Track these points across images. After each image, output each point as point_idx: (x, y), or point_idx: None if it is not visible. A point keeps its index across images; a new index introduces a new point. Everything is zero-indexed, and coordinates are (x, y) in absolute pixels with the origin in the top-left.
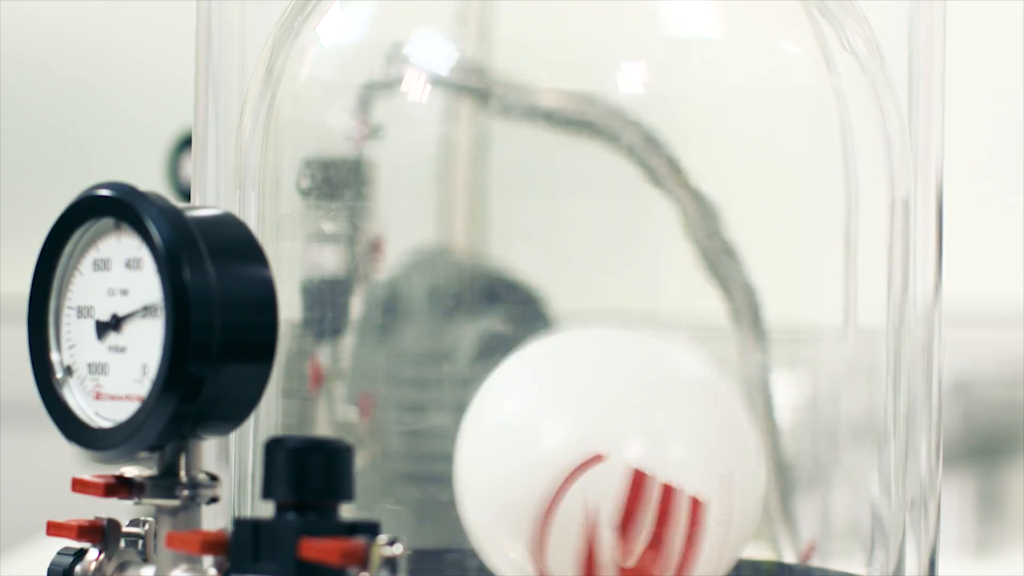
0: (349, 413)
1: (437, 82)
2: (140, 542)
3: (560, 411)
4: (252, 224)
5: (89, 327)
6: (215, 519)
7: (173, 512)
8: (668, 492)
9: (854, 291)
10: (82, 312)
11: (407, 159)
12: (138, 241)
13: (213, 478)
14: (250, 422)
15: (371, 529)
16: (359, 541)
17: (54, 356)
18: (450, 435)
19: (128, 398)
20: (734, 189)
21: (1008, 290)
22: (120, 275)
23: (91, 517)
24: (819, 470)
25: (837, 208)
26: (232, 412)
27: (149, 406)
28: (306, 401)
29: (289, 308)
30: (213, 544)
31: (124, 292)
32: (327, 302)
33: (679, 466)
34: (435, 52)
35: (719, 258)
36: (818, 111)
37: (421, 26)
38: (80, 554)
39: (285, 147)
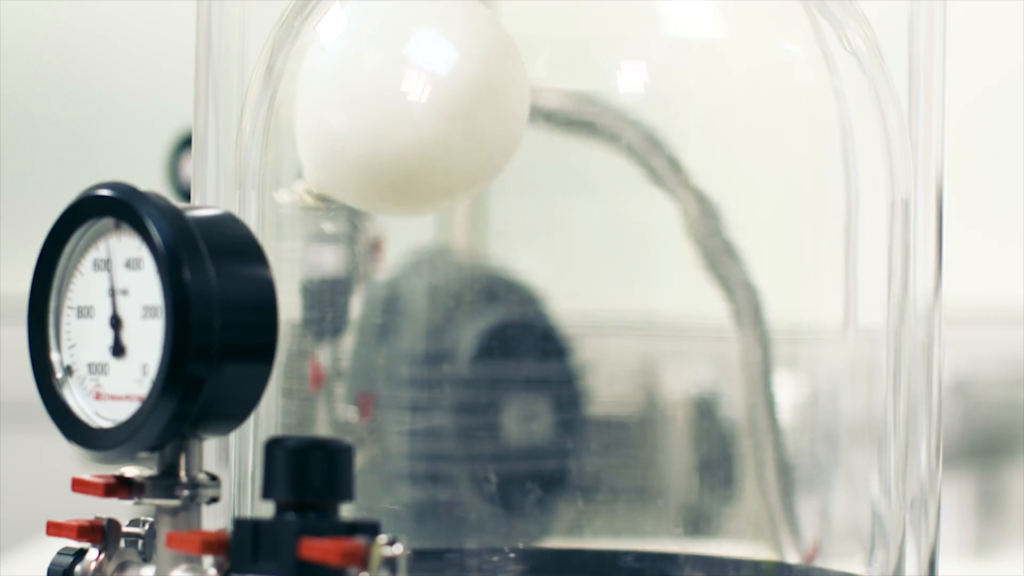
0: (349, 413)
1: None
2: (140, 542)
3: None
4: (252, 224)
5: (89, 327)
6: (215, 519)
7: (173, 512)
8: None
9: (854, 291)
10: (82, 312)
11: None
12: (138, 241)
13: (213, 478)
14: (250, 422)
15: (371, 529)
16: (359, 541)
17: (54, 356)
18: (450, 435)
19: (128, 398)
20: (735, 189)
21: (1008, 290)
22: (120, 275)
23: (91, 517)
24: (819, 470)
25: (837, 208)
26: (232, 412)
27: (149, 406)
28: (306, 401)
29: (289, 308)
30: (213, 544)
31: (124, 292)
32: (327, 302)
33: None
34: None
35: (720, 258)
36: (818, 111)
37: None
38: (80, 554)
39: (285, 147)
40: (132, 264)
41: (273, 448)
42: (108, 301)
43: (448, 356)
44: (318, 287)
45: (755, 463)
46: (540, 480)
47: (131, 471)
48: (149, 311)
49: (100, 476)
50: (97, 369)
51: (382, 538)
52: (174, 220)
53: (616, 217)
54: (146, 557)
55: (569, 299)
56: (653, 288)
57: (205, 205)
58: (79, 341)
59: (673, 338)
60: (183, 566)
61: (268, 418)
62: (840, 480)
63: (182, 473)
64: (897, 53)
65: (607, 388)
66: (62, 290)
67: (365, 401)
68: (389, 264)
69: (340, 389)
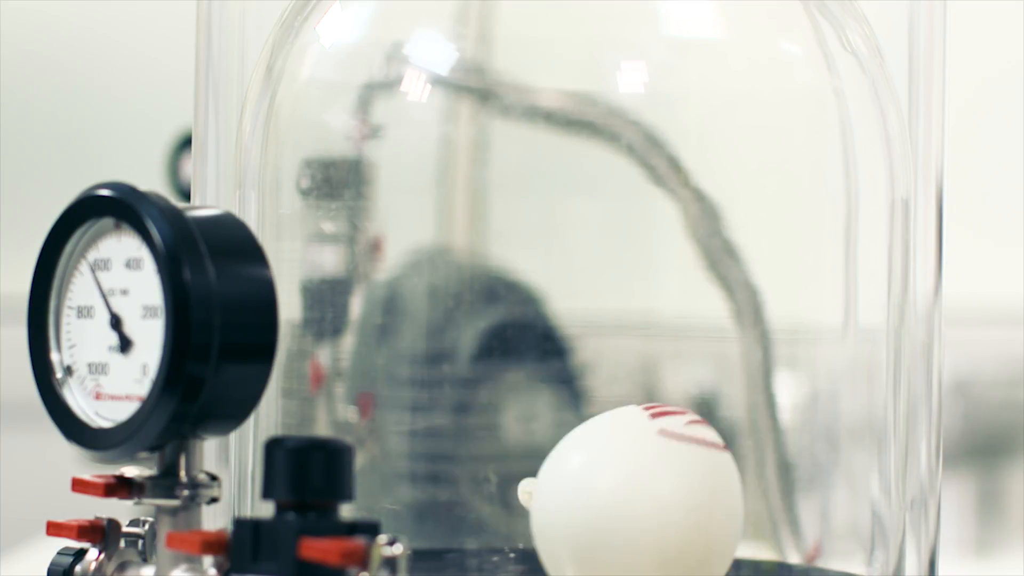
0: (349, 413)
1: (437, 82)
2: (140, 542)
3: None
4: (252, 224)
5: (89, 327)
6: (215, 519)
7: (173, 512)
8: None
9: (854, 291)
10: (82, 312)
11: (407, 159)
12: (138, 241)
13: (213, 478)
14: (250, 422)
15: (371, 529)
16: (359, 541)
17: (54, 356)
18: (450, 435)
19: (128, 398)
20: (735, 189)
21: (1008, 290)
22: (120, 275)
23: (91, 517)
24: (819, 470)
25: (837, 208)
26: (232, 412)
27: (149, 406)
28: (306, 401)
29: (289, 308)
30: (213, 544)
31: (124, 292)
32: (327, 302)
33: None
34: (435, 52)
35: (720, 258)
36: (818, 111)
37: (421, 26)
38: (80, 554)
39: (285, 147)
40: (132, 264)
41: (273, 448)
42: (109, 301)
43: (448, 356)
44: (318, 287)
45: (755, 463)
46: None
47: (131, 471)
48: (149, 311)
49: (100, 476)
50: (97, 369)
51: (382, 538)
52: (174, 220)
53: (616, 217)
54: (146, 557)
55: (569, 299)
56: (653, 288)
57: (205, 205)
58: (79, 341)
59: (673, 338)
60: (183, 566)
61: (268, 418)
62: (840, 480)
63: (182, 473)
64: (897, 53)
65: (607, 388)
66: (62, 290)
67: (365, 401)
68: (389, 264)
69: (340, 389)
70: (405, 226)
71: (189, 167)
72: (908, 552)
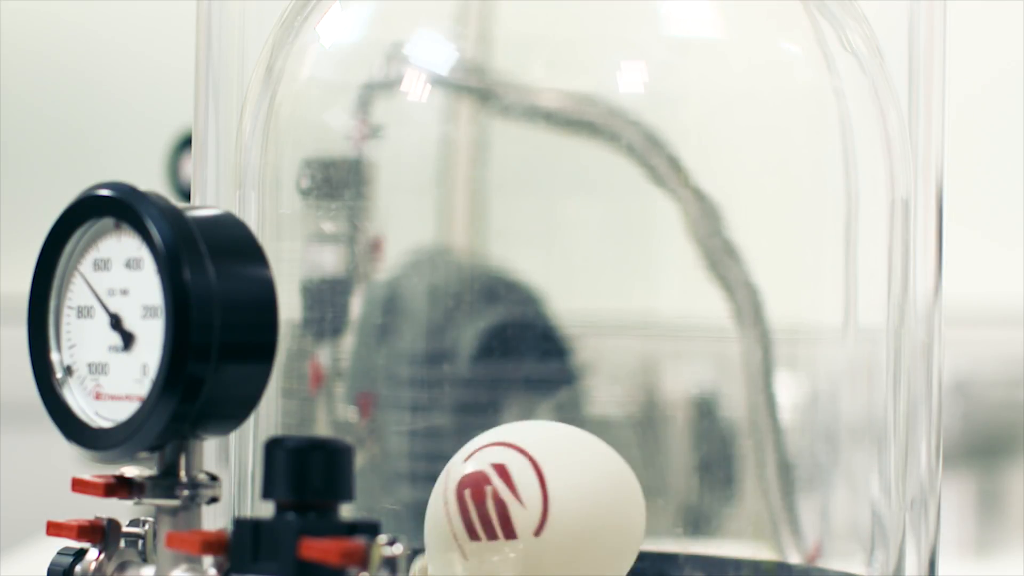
0: (349, 413)
1: (437, 82)
2: (140, 542)
3: None
4: (252, 224)
5: (89, 327)
6: (215, 519)
7: (173, 512)
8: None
9: (854, 291)
10: (82, 312)
11: (407, 159)
12: (138, 241)
13: (213, 478)
14: (250, 422)
15: (371, 529)
16: (359, 541)
17: (54, 356)
18: (450, 435)
19: (128, 398)
20: (735, 188)
21: (1008, 290)
22: (120, 275)
23: (91, 517)
24: (819, 470)
25: (837, 208)
26: (232, 412)
27: (149, 406)
28: (306, 401)
29: (289, 308)
30: (213, 544)
31: (124, 292)
32: (327, 302)
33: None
34: (435, 52)
35: (720, 258)
36: (818, 111)
37: (421, 26)
38: (80, 554)
39: (285, 147)
40: (132, 264)
41: (273, 448)
42: (109, 301)
43: (448, 356)
44: (318, 287)
45: (755, 463)
46: None
47: (131, 471)
48: (149, 311)
49: (100, 476)
50: (97, 369)
51: (382, 538)
52: (174, 220)
53: (616, 217)
54: (146, 557)
55: (569, 299)
56: (653, 288)
57: (205, 205)
58: (79, 341)
59: (673, 338)
60: (183, 566)
61: (268, 418)
62: (840, 480)
63: (182, 473)
64: (897, 53)
65: (607, 388)
66: (62, 290)
67: (365, 401)
68: (389, 264)
69: (340, 389)
70: (405, 226)
71: (189, 167)
72: (908, 552)
